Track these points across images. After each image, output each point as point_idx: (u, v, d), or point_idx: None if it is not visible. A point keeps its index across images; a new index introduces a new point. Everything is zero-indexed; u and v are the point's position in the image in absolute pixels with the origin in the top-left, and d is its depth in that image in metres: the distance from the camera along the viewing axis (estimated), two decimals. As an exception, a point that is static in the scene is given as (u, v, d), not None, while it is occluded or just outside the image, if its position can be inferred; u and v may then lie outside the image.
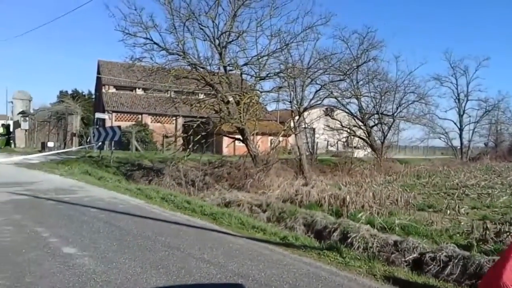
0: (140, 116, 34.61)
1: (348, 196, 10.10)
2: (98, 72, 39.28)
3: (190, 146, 15.86)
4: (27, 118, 30.05)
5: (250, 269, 4.71)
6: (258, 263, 4.94)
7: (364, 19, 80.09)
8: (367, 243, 6.14)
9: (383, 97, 24.11)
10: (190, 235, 6.30)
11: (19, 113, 30.39)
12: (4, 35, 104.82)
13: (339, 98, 22.30)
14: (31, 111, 31.28)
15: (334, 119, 25.13)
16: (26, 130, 30.27)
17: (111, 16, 13.88)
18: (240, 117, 14.57)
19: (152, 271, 4.50)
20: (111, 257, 4.96)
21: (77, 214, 7.57)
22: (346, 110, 24.59)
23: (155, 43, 14.28)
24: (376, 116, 24.52)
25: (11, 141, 30.22)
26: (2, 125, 32.80)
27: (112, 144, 20.37)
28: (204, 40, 14.96)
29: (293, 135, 19.19)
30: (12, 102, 31.99)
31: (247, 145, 15.33)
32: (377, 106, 24.20)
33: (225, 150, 27.81)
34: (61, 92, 55.07)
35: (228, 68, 15.39)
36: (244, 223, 7.37)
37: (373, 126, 24.84)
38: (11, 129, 31.35)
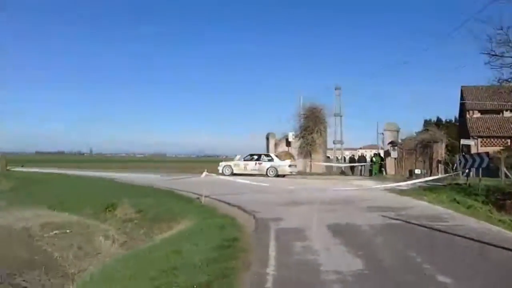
0: (509, 140, 32.01)
1: None
2: (461, 98, 38.95)
3: None
4: (396, 147, 32.53)
5: None
6: None
7: None
8: None
9: None
10: None
11: (389, 143, 33.34)
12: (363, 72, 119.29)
13: None
14: (399, 140, 33.68)
15: None
16: (395, 159, 32.80)
17: (476, 39, 13.59)
18: None
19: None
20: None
21: (448, 242, 7.64)
22: None
23: (524, 60, 12.93)
24: None
25: (383, 169, 33.39)
26: (375, 154, 36.97)
27: (480, 171, 19.22)
28: None
29: None
30: (382, 134, 35.59)
31: None
32: None
33: None
34: (425, 121, 57.38)
35: None
36: None
37: None
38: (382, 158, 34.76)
